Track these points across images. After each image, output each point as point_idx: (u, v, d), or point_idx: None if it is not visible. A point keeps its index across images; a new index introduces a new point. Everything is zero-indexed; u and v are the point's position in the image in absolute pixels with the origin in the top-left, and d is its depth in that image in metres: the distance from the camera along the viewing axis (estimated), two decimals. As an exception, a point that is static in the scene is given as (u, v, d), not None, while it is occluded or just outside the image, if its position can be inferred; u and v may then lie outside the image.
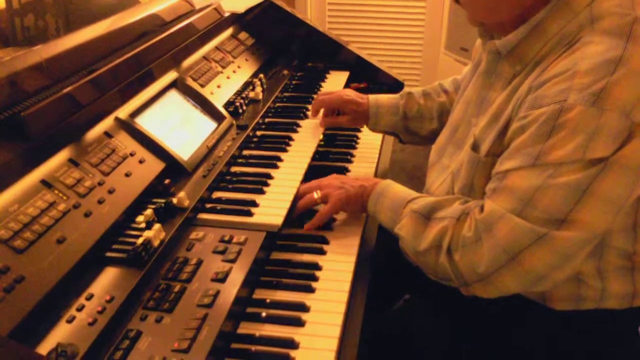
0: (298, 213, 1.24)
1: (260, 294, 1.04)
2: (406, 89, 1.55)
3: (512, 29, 1.04)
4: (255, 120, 1.52)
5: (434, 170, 1.27)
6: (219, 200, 1.22)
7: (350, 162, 1.54)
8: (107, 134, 1.13)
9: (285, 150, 1.45)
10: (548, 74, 0.95)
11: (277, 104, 1.72)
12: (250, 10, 1.92)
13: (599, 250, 1.02)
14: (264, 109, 1.60)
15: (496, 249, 0.94)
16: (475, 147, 1.09)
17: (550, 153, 0.91)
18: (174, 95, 1.39)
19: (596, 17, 0.95)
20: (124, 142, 1.14)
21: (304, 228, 1.21)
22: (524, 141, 0.94)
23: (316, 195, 1.23)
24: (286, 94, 1.81)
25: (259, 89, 1.66)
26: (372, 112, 1.52)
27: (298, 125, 1.59)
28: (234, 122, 1.48)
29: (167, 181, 1.15)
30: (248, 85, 1.70)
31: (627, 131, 0.88)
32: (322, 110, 1.61)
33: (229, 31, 1.84)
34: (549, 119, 0.91)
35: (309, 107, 1.68)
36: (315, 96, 1.78)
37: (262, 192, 1.25)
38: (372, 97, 1.54)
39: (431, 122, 1.50)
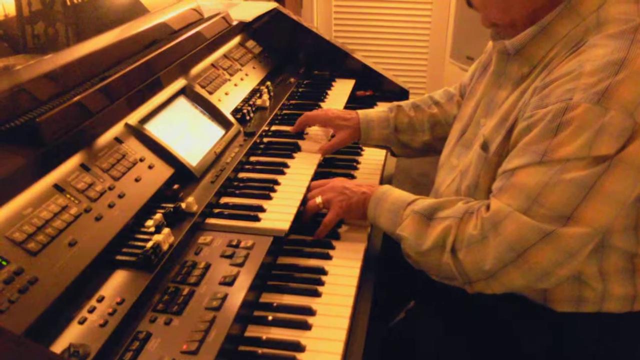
0: (306, 220, 1.26)
1: (267, 297, 1.06)
2: (395, 103, 1.54)
3: (523, 29, 1.06)
4: (262, 127, 1.54)
5: (442, 170, 1.28)
6: (226, 206, 1.23)
7: (355, 168, 1.56)
8: (118, 140, 1.15)
9: (291, 157, 1.46)
10: (553, 75, 0.98)
11: (284, 111, 1.74)
12: (257, 19, 1.94)
13: (601, 251, 1.03)
14: (271, 116, 1.62)
15: (502, 247, 0.96)
16: (484, 147, 1.11)
17: (557, 150, 0.93)
18: (182, 102, 1.41)
19: (602, 22, 0.98)
20: (134, 148, 1.17)
21: (314, 235, 1.22)
22: (531, 139, 0.97)
23: (318, 200, 1.25)
24: (293, 102, 1.82)
25: (266, 96, 1.68)
26: (363, 127, 1.50)
27: (305, 133, 1.60)
28: (242, 128, 1.50)
29: (175, 186, 1.17)
30: (255, 92, 1.72)
31: (630, 130, 0.90)
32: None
33: (236, 39, 1.86)
34: (555, 117, 0.94)
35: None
36: (320, 104, 1.80)
37: (269, 197, 1.26)
38: (362, 112, 1.53)
39: (423, 134, 1.50)
